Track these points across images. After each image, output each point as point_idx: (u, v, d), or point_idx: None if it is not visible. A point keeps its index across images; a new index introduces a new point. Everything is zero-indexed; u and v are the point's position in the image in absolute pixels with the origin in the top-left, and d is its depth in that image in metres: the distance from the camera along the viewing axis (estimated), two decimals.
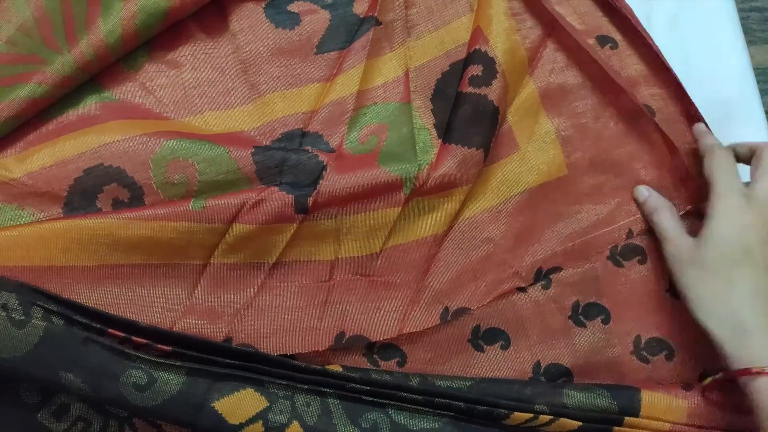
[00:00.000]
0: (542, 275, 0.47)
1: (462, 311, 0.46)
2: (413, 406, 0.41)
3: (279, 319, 0.44)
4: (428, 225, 0.47)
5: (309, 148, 0.45)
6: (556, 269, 0.47)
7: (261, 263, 0.44)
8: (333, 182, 0.43)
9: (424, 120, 0.48)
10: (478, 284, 0.46)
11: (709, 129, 0.49)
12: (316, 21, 0.50)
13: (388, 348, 0.45)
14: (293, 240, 0.44)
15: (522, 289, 0.47)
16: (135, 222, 0.41)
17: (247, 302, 0.44)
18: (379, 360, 0.45)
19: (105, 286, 0.42)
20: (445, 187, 0.46)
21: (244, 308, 0.44)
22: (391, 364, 0.45)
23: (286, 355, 0.44)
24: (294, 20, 0.50)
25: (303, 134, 0.46)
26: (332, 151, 0.45)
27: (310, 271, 0.45)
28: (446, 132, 0.47)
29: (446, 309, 0.46)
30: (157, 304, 0.42)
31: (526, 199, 0.47)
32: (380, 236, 0.45)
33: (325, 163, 0.44)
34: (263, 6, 0.50)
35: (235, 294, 0.44)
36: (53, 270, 0.41)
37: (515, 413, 0.41)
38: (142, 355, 0.39)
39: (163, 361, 0.39)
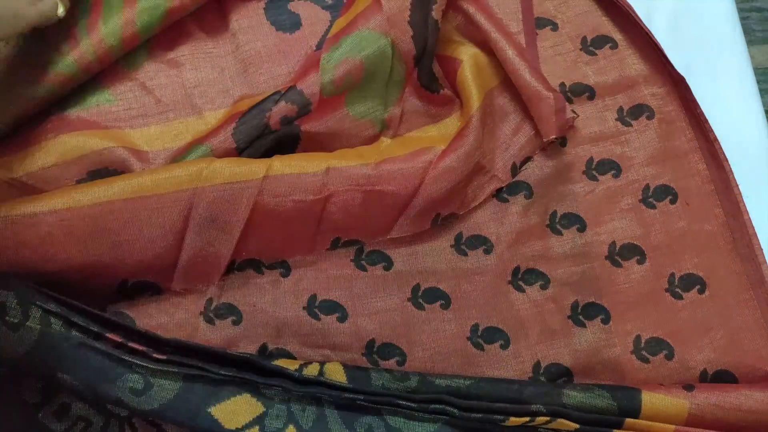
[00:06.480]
0: (518, 169, 0.49)
1: (451, 216, 0.47)
2: (408, 411, 0.41)
3: (278, 232, 0.45)
4: (422, 138, 0.48)
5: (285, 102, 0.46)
6: (528, 159, 0.49)
7: (250, 179, 0.43)
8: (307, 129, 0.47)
9: (398, 50, 0.48)
10: (466, 192, 0.48)
11: (711, 128, 0.49)
12: (317, 22, 0.50)
13: (388, 347, 0.45)
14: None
15: (520, 289, 0.47)
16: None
17: (244, 221, 0.43)
18: (378, 359, 0.45)
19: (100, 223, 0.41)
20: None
21: (242, 227, 0.43)
22: (390, 363, 0.45)
23: (284, 354, 0.44)
24: (294, 22, 0.50)
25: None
26: (308, 103, 0.46)
27: (302, 184, 0.44)
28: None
29: (438, 215, 0.47)
30: (155, 234, 0.42)
31: (484, 106, 0.48)
32: (371, 155, 0.46)
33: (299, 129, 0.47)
34: (263, 6, 0.50)
35: (231, 215, 0.43)
36: None
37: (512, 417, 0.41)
38: (138, 361, 0.39)
39: (159, 367, 0.40)
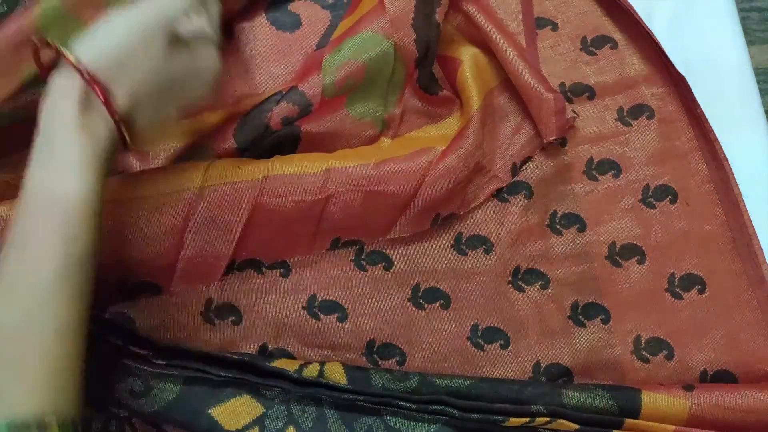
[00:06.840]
0: (518, 169, 0.49)
1: (451, 216, 0.47)
2: (408, 412, 0.41)
3: (278, 232, 0.45)
4: (422, 138, 0.48)
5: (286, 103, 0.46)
6: (528, 159, 0.49)
7: (250, 179, 0.43)
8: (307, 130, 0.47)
9: (401, 52, 0.47)
10: (466, 192, 0.48)
11: (711, 128, 0.49)
12: (317, 22, 0.50)
13: (388, 347, 0.45)
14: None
15: (520, 289, 0.47)
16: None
17: (244, 221, 0.43)
18: (378, 359, 0.45)
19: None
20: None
21: (242, 227, 0.43)
22: (390, 363, 0.45)
23: (284, 354, 0.44)
24: (294, 21, 0.50)
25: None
26: (309, 104, 0.46)
27: (302, 184, 0.44)
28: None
29: (437, 215, 0.47)
30: (155, 234, 0.42)
31: (484, 106, 0.48)
32: (371, 155, 0.46)
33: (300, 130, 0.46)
34: (263, 6, 0.50)
35: (231, 215, 0.43)
36: None
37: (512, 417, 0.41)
38: (138, 365, 0.39)
39: (160, 371, 0.40)
